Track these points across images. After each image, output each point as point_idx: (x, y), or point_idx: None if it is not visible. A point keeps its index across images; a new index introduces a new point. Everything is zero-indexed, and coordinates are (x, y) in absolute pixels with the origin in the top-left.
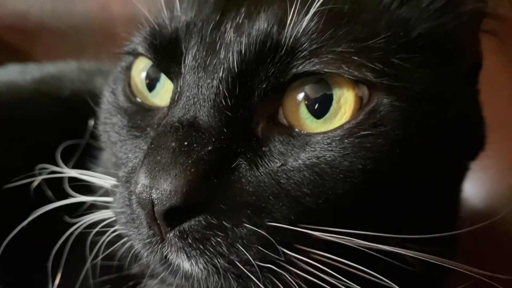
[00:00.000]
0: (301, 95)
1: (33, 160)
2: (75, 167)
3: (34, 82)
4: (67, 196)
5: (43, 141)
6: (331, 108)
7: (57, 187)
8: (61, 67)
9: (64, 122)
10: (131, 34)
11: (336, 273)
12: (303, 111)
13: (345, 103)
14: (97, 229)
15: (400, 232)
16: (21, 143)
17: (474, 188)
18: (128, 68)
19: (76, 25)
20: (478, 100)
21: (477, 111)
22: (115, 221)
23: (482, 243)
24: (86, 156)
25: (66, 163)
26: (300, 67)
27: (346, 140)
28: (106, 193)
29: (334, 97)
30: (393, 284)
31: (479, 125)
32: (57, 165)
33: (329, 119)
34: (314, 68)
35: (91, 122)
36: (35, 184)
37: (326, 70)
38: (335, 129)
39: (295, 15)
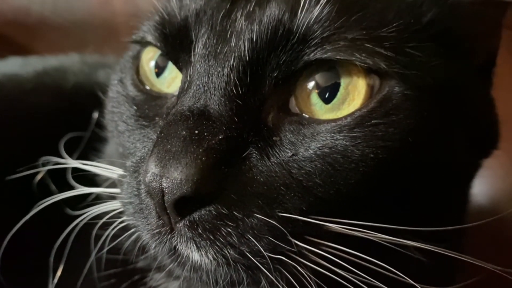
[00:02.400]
0: (312, 84)
1: (36, 152)
2: (78, 160)
3: (36, 74)
4: (70, 189)
5: (46, 133)
6: (338, 93)
7: (60, 180)
8: (63, 60)
9: (66, 115)
10: (139, 22)
11: (347, 265)
12: (314, 97)
13: (353, 90)
14: (102, 221)
15: (409, 225)
16: (24, 135)
17: (480, 186)
18: (136, 57)
19: (77, 20)
20: (491, 96)
21: (490, 107)
22: (121, 212)
23: (488, 240)
24: (89, 149)
25: (69, 156)
26: (312, 55)
27: (357, 129)
28: (111, 185)
29: (342, 83)
30: (404, 276)
31: (492, 122)
32: (60, 157)
33: (336, 104)
34: (326, 55)
35: (95, 115)
36: (39, 176)
37: (338, 57)
38: (345, 117)
39: (307, 2)
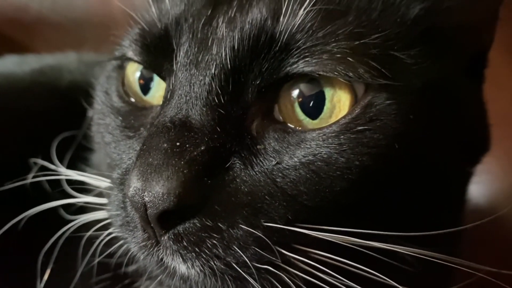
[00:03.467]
0: (295, 92)
1: (29, 151)
2: (69, 163)
3: (32, 73)
4: (60, 191)
5: (40, 132)
6: (325, 108)
7: (52, 180)
8: (60, 58)
9: (62, 113)
10: (119, 38)
11: (335, 272)
12: (299, 112)
13: (338, 101)
14: (91, 231)
15: (399, 231)
16: (18, 134)
17: (478, 186)
18: (121, 66)
19: (76, 19)
20: (482, 100)
21: (480, 111)
22: (110, 223)
23: (485, 241)
24: (78, 155)
25: (61, 157)
26: (294, 66)
27: (342, 136)
28: (100, 194)
29: (327, 96)
30: (393, 282)
31: (482, 126)
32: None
33: (324, 119)
34: (308, 69)
35: (91, 113)
36: (30, 177)
37: (320, 72)
38: (330, 125)
39: (289, 7)
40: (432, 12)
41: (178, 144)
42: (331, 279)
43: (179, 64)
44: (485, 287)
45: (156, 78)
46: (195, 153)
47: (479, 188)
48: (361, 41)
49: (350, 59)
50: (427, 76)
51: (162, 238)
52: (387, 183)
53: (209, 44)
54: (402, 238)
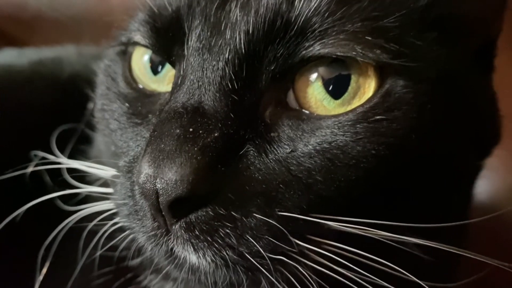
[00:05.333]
0: (314, 76)
1: (29, 144)
2: (68, 156)
3: (31, 65)
4: (63, 180)
5: (40, 124)
6: (350, 88)
7: (53, 171)
8: (59, 51)
9: (62, 105)
10: (126, 21)
11: (348, 263)
12: (320, 92)
13: (364, 83)
14: (94, 222)
15: (410, 222)
16: (17, 126)
17: (482, 183)
18: (124, 52)
19: (74, 16)
20: (493, 90)
21: (491, 101)
22: (114, 213)
23: (489, 238)
24: (75, 148)
25: (61, 148)
26: (310, 49)
27: (358, 125)
28: (102, 184)
29: (352, 77)
30: (407, 273)
31: (493, 117)
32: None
33: (347, 99)
34: (325, 51)
35: (91, 105)
36: (30, 169)
37: (338, 53)
38: (346, 113)
39: None
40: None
41: (191, 130)
42: (345, 270)
43: (191, 48)
44: (494, 282)
45: (166, 64)
46: (208, 139)
47: (483, 185)
48: (378, 23)
49: (368, 38)
50: (441, 65)
51: (173, 227)
52: (401, 173)
53: (222, 29)
54: (409, 230)
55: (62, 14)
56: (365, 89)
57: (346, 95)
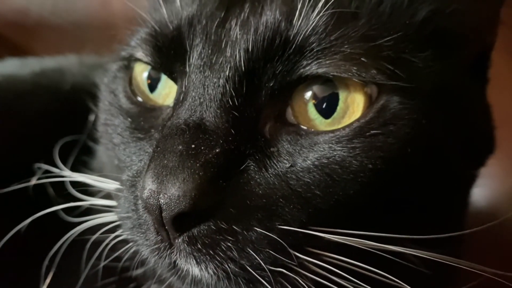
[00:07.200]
0: (309, 94)
1: (31, 155)
2: (70, 168)
3: (33, 75)
4: (67, 192)
5: (42, 136)
6: (338, 108)
7: (54, 183)
8: (61, 61)
9: (63, 117)
10: (127, 36)
11: (346, 274)
12: (312, 111)
13: (352, 103)
14: (97, 234)
15: (407, 233)
16: (19, 138)
17: (480, 188)
18: (127, 66)
19: (77, 22)
20: (487, 102)
21: (485, 113)
22: (117, 225)
23: (487, 244)
24: (78, 159)
25: (63, 159)
26: (308, 68)
27: (355, 140)
28: (104, 197)
29: (340, 97)
30: (403, 284)
31: (487, 129)
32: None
33: (337, 119)
34: (322, 71)
35: (92, 117)
36: (33, 182)
37: (334, 73)
38: (343, 128)
39: (303, 10)
40: (439, 14)
41: (193, 146)
42: (343, 281)
43: (192, 66)
44: None
45: (163, 77)
46: (210, 155)
47: (481, 190)
48: (374, 43)
49: (363, 59)
50: (436, 79)
51: (176, 241)
52: (398, 185)
53: (223, 46)
54: (408, 241)
55: (64, 21)
56: (354, 108)
57: (335, 114)
